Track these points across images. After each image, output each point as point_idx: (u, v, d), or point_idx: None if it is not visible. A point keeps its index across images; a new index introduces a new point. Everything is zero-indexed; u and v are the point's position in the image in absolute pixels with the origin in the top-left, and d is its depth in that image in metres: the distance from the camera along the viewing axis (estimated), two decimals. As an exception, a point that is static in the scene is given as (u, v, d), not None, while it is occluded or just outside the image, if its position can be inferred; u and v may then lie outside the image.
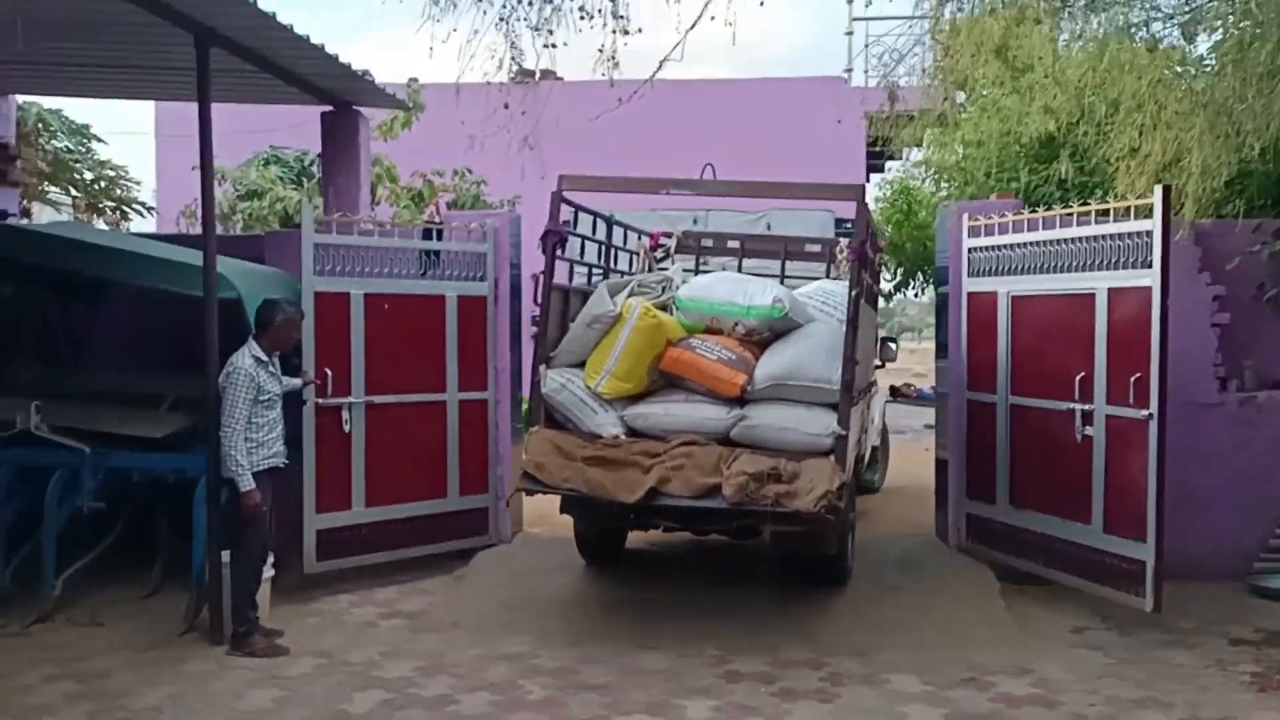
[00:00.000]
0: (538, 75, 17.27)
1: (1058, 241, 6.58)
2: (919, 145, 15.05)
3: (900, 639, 6.04)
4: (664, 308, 6.38)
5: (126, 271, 6.47)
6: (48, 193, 10.79)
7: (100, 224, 11.66)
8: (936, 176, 12.59)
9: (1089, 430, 6.28)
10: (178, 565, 6.34)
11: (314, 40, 6.23)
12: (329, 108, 7.97)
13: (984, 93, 11.10)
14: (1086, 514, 6.31)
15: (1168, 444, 6.81)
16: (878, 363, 8.69)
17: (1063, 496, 6.49)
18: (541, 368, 6.06)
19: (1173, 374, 7.03)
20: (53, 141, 10.35)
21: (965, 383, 7.41)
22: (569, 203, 6.58)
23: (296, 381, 6.31)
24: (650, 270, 7.58)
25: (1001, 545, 7.05)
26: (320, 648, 5.79)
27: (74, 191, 11.46)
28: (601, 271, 7.28)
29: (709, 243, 8.56)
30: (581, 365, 6.14)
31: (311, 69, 6.80)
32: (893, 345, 9.61)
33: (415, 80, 11.47)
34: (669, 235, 8.20)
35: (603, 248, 7.36)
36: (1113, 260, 6.16)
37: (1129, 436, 6.03)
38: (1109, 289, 6.17)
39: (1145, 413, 5.91)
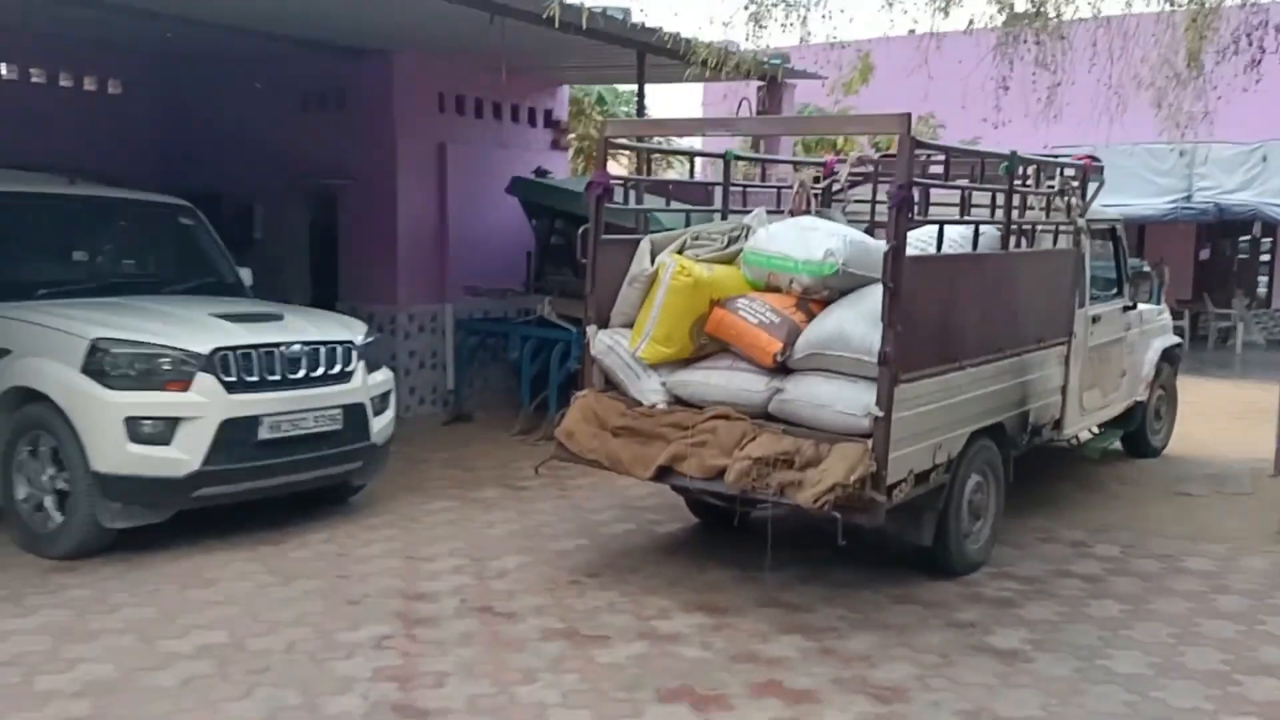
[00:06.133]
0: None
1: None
2: None
3: (1110, 519, 7.18)
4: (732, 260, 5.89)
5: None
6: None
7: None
8: None
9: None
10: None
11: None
12: (761, 82, 10.40)
13: None
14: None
15: None
16: (1127, 303, 8.09)
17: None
18: (591, 328, 5.92)
19: None
20: (608, 111, 14.06)
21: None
22: (629, 148, 6.63)
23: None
24: (808, 206, 6.90)
25: (1304, 472, 7.48)
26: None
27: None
28: (720, 214, 6.85)
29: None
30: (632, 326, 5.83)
31: (739, 60, 9.24)
32: (1150, 276, 8.53)
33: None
34: (843, 161, 7.41)
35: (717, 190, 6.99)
36: None
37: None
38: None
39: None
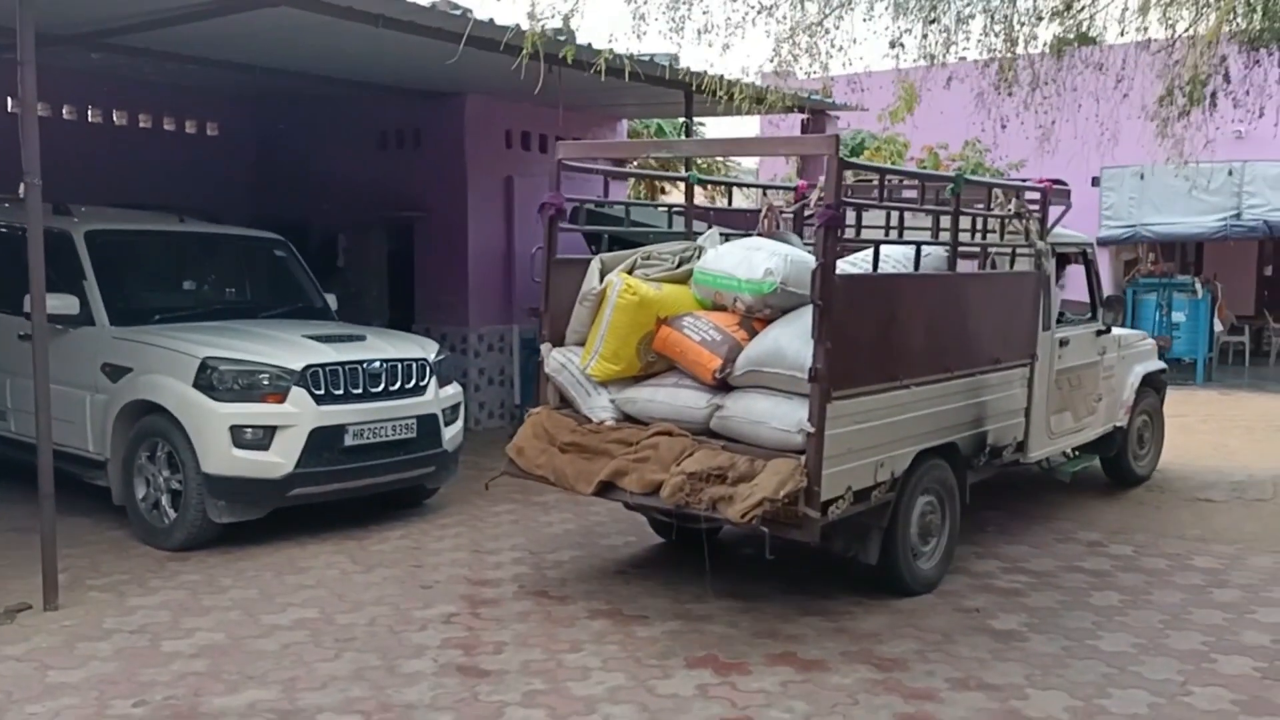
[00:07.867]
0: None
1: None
2: None
3: (1129, 522, 7.67)
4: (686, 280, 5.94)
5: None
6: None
7: (703, 200, 16.06)
8: None
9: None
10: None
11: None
12: (805, 115, 11.05)
13: None
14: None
15: None
16: (1101, 327, 7.88)
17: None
18: (544, 346, 6.02)
19: None
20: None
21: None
22: (599, 172, 6.77)
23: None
24: (777, 229, 6.79)
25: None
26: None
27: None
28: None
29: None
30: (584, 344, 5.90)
31: (773, 98, 9.92)
32: (1122, 300, 8.35)
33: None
34: (813, 186, 6.82)
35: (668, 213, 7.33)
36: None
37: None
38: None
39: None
